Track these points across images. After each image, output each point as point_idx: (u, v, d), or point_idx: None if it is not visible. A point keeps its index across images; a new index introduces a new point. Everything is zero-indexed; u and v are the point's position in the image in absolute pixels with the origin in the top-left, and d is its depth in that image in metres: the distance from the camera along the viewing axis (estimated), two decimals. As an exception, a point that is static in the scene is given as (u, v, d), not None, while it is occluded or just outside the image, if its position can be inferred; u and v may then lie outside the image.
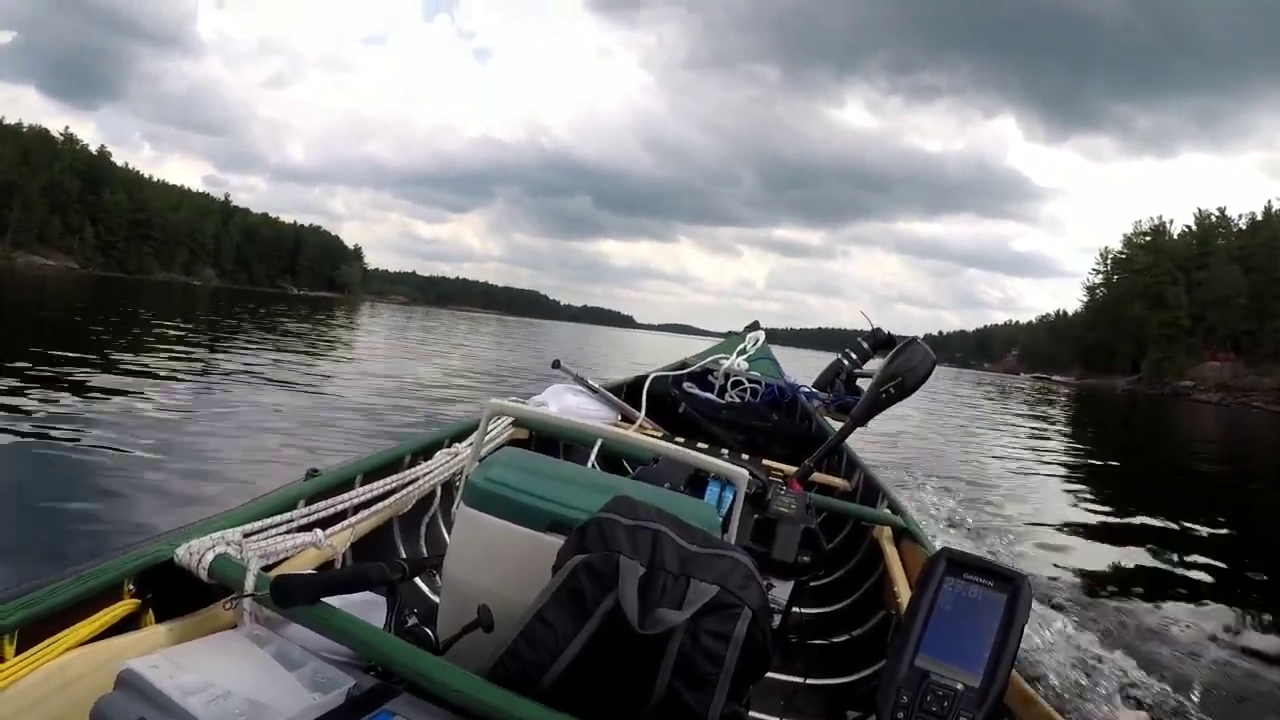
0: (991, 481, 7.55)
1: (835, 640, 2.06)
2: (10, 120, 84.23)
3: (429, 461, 2.00)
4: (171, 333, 13.62)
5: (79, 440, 4.55)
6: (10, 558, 2.76)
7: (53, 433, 4.63)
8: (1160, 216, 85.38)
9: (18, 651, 0.92)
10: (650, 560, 0.93)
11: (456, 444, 2.17)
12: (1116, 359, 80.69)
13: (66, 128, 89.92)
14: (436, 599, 1.30)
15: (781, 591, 1.56)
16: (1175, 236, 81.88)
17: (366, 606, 1.12)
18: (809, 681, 1.70)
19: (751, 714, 1.04)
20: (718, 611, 0.89)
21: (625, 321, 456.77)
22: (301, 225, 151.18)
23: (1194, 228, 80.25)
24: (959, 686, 0.85)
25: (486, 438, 1.52)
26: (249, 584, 1.07)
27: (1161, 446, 15.58)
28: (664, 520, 0.99)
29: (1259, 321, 66.91)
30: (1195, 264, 75.04)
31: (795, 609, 1.60)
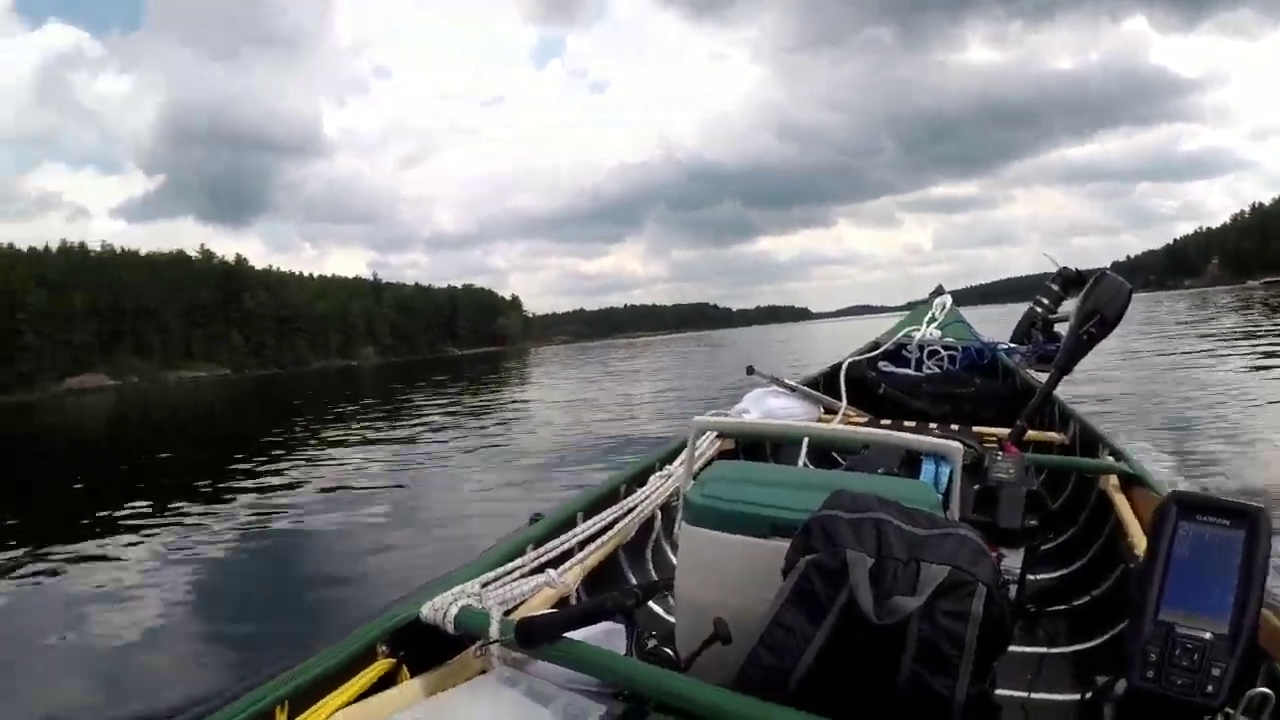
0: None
1: (1075, 604, 2.04)
2: (167, 249, 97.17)
3: (644, 488, 2.16)
4: (341, 417, 15.00)
5: (310, 529, 5.33)
6: (272, 638, 3.32)
7: (286, 526, 5.44)
8: None
9: (289, 718, 1.08)
10: (877, 550, 0.98)
11: (667, 466, 2.33)
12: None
13: (202, 245, 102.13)
14: (672, 619, 1.40)
15: (1013, 561, 1.54)
16: None
17: (607, 636, 1.23)
18: (1053, 650, 1.69)
19: (998, 692, 1.04)
20: (952, 592, 0.93)
21: (801, 314, 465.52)
22: (456, 287, 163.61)
23: None
24: (1207, 636, 0.85)
25: (696, 454, 1.62)
26: (494, 630, 1.21)
27: None
28: (885, 508, 1.03)
29: None
30: None
31: (1030, 576, 1.56)
